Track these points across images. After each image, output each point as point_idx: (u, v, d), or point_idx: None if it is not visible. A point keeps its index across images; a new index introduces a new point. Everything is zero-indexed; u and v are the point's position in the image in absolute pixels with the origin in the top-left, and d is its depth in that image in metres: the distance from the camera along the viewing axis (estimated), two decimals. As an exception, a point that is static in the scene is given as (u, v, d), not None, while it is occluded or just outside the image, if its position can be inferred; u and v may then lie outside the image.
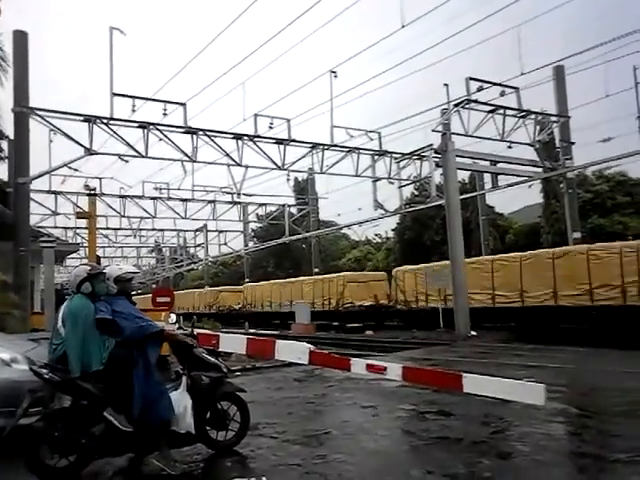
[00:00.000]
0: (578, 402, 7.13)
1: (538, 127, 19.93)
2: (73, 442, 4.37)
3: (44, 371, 4.45)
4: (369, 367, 5.15)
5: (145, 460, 4.81)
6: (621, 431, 5.62)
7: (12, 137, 15.93)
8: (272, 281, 36.54)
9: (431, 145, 19.10)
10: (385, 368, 5.02)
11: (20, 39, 15.14)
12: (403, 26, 14.84)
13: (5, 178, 18.29)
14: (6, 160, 17.45)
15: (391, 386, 8.04)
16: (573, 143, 21.17)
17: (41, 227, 23.26)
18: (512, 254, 20.43)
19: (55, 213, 24.71)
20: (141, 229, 33.31)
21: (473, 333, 17.18)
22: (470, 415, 6.56)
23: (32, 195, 17.49)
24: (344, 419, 6.59)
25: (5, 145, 17.41)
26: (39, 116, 15.07)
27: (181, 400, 4.69)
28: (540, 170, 20.91)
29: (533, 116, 19.62)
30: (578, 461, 4.94)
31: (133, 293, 5.30)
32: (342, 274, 29.78)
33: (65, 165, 16.53)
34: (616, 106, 21.02)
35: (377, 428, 6.10)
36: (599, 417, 6.26)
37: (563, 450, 5.28)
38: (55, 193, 23.51)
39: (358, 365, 5.24)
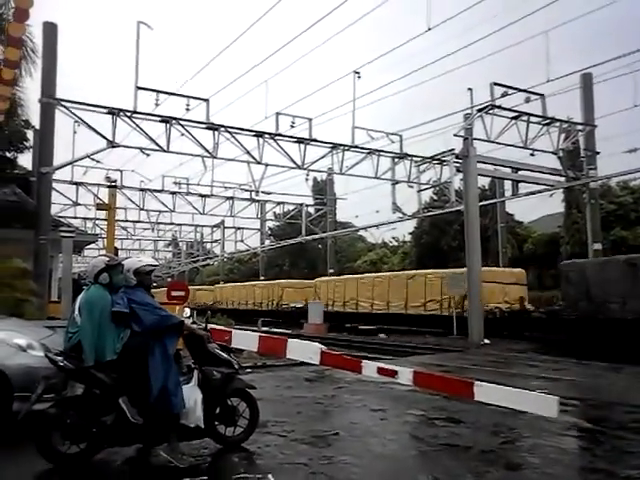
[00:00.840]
0: (591, 416, 7.02)
1: (563, 135, 19.65)
2: (84, 430, 4.44)
3: (59, 359, 4.51)
4: (380, 370, 5.11)
5: (153, 451, 4.86)
6: (634, 447, 5.51)
7: (38, 127, 16.25)
8: (234, 284, 44.96)
9: (452, 150, 18.96)
10: (396, 372, 4.99)
11: (50, 31, 15.40)
12: (429, 28, 14.76)
13: (29, 167, 18.65)
14: (31, 149, 17.79)
15: (401, 390, 8.00)
16: (598, 153, 20.84)
17: (61, 217, 23.60)
18: (383, 274, 29.43)
19: (76, 204, 25.06)
20: (159, 223, 33.57)
21: (486, 341, 17.03)
22: (480, 424, 6.49)
23: (54, 185, 17.76)
24: (353, 421, 6.57)
25: (31, 135, 17.75)
26: (65, 107, 15.29)
27: (192, 394, 4.73)
28: (562, 179, 20.65)
29: (558, 124, 19.34)
30: (589, 476, 4.86)
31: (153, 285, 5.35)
32: (281, 281, 37.75)
33: (87, 156, 16.76)
34: (644, 117, 20.62)
35: (385, 432, 6.07)
36: (612, 432, 6.14)
37: (574, 464, 5.20)
38: (76, 184, 23.83)
39: (369, 368, 5.21)
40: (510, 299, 21.60)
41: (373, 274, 30.55)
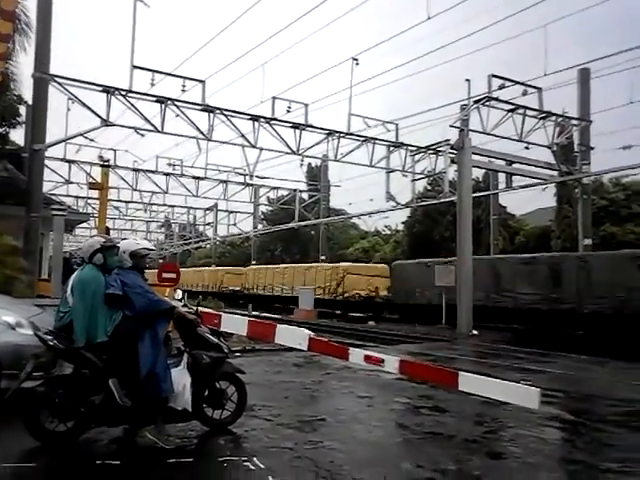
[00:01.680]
0: (573, 408, 7.14)
1: (558, 129, 19.67)
2: (72, 409, 4.47)
3: (49, 337, 4.52)
4: (367, 358, 5.17)
5: (140, 432, 4.90)
6: (614, 441, 5.62)
7: (30, 103, 16.03)
8: (188, 269, 50.35)
9: (448, 140, 18.94)
10: (383, 360, 5.04)
11: (44, 4, 15.13)
12: (429, 17, 14.66)
13: (21, 143, 18.43)
14: (23, 125, 17.56)
15: (388, 378, 8.09)
16: (592, 148, 20.90)
17: (53, 194, 23.41)
18: (289, 265, 36.76)
19: (68, 182, 24.86)
20: (152, 204, 33.40)
21: (474, 332, 17.17)
22: (465, 413, 6.60)
23: (46, 162, 17.56)
24: (339, 407, 6.66)
25: (23, 110, 17.52)
26: (58, 83, 15.08)
27: (181, 377, 4.76)
28: (556, 173, 20.71)
29: (553, 118, 19.35)
30: (568, 467, 4.96)
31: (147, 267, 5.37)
32: (224, 268, 45.15)
33: (81, 134, 16.60)
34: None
35: (371, 419, 6.16)
36: (593, 425, 6.27)
37: (554, 455, 5.30)
38: (69, 162, 23.61)
39: (356, 355, 5.26)
40: (372, 288, 27.97)
41: (283, 265, 38.17)
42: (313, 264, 34.47)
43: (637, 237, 24.35)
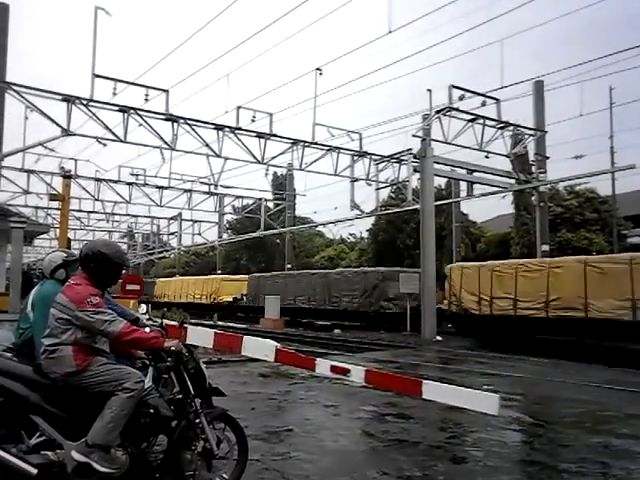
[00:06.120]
0: (532, 411, 7.38)
1: (516, 139, 20.35)
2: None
3: (8, 355, 4.41)
4: (333, 368, 5.21)
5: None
6: (570, 441, 5.84)
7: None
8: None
9: (410, 150, 19.32)
10: (349, 370, 5.11)
11: (1, 13, 14.81)
12: (390, 31, 14.98)
13: (-24, 153, 17.85)
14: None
15: (354, 386, 8.16)
16: (548, 157, 21.68)
17: (11, 205, 22.74)
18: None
19: (26, 192, 24.18)
20: (115, 214, 32.89)
21: (438, 338, 17.47)
22: (429, 419, 6.74)
23: (3, 172, 17.12)
24: (306, 417, 6.70)
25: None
26: (15, 92, 14.74)
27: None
28: (514, 182, 21.37)
29: (511, 128, 20.02)
30: (527, 468, 5.13)
31: None
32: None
33: (40, 144, 16.22)
34: (592, 124, 21.60)
35: (337, 428, 6.22)
36: (551, 427, 6.50)
37: (514, 457, 5.48)
38: (28, 172, 22.98)
39: (322, 366, 5.30)
40: None
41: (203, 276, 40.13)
42: (229, 276, 37.33)
43: (590, 242, 25.25)
